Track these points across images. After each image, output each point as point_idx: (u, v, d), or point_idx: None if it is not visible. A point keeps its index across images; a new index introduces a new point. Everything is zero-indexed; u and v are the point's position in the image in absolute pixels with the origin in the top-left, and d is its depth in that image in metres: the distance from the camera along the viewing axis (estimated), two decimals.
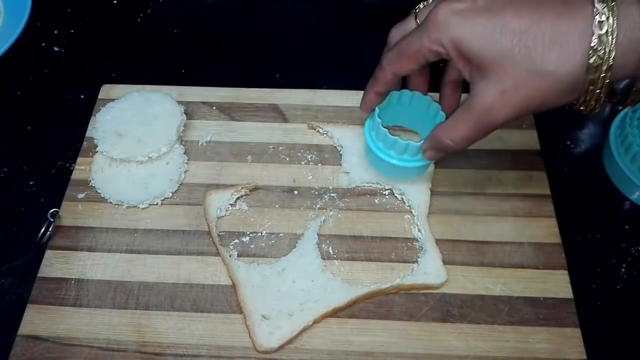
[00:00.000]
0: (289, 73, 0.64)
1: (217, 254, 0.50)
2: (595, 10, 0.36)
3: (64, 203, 0.53)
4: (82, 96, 0.62)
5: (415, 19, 0.45)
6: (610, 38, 0.36)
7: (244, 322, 0.46)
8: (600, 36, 0.36)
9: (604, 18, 0.36)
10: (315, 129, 0.58)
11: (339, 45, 0.67)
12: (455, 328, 0.46)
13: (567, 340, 0.45)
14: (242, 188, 0.53)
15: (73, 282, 0.48)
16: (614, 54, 0.36)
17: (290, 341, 0.45)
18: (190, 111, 0.59)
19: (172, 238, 0.51)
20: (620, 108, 0.41)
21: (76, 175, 0.55)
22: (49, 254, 0.50)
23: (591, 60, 0.36)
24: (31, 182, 0.56)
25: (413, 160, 0.49)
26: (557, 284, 0.48)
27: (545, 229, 0.51)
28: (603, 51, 0.36)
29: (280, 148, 0.57)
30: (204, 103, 0.60)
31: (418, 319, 0.46)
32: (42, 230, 0.50)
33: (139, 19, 0.70)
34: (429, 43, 0.40)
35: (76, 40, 0.68)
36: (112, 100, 0.57)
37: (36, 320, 0.46)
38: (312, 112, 0.59)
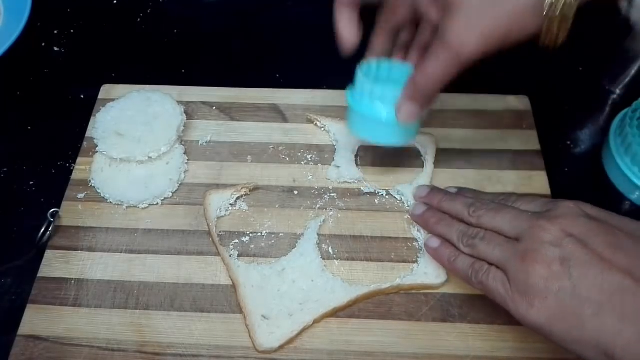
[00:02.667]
0: (289, 73, 0.64)
1: (217, 254, 0.50)
2: None
3: (64, 203, 0.53)
4: (82, 96, 0.62)
5: None
6: None
7: (244, 322, 0.46)
8: None
9: None
10: (313, 122, 0.58)
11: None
12: (455, 328, 0.46)
13: None
14: (242, 188, 0.53)
15: (73, 282, 0.48)
16: None
17: (291, 341, 0.45)
18: (190, 111, 0.59)
19: (172, 238, 0.51)
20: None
21: (76, 175, 0.55)
22: (49, 254, 0.50)
23: None
24: (31, 182, 0.56)
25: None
26: None
27: None
28: None
29: (280, 148, 0.57)
30: (204, 103, 0.60)
31: (418, 318, 0.46)
32: (42, 230, 0.50)
33: (139, 19, 0.70)
34: None
35: (76, 40, 0.68)
36: (112, 100, 0.57)
37: (36, 320, 0.46)
38: (312, 112, 0.58)
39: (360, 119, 0.47)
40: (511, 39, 0.39)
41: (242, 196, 0.53)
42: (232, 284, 0.48)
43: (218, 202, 0.52)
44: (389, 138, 0.48)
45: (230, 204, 0.53)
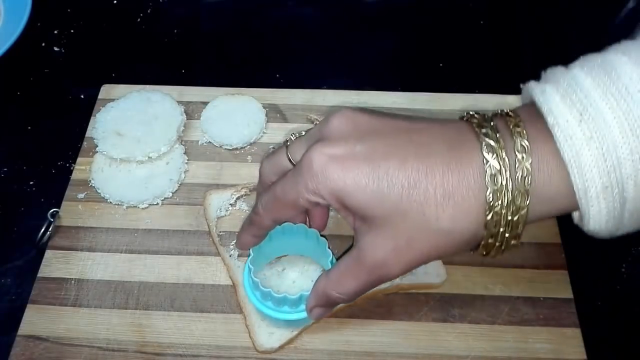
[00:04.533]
0: (289, 73, 0.64)
1: (217, 254, 0.50)
2: (485, 162, 0.32)
3: (64, 203, 0.53)
4: (82, 96, 0.62)
5: (287, 154, 0.39)
6: (505, 191, 0.32)
7: (244, 322, 0.46)
8: (494, 191, 0.32)
9: (495, 171, 0.32)
10: (313, 122, 0.58)
11: (340, 45, 0.67)
12: (455, 328, 0.46)
13: (567, 340, 0.45)
14: (242, 188, 0.53)
15: (73, 282, 0.48)
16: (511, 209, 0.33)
17: (290, 341, 0.45)
18: (190, 111, 0.59)
19: (172, 238, 0.51)
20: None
21: (76, 175, 0.55)
22: (49, 254, 0.50)
23: (488, 217, 0.33)
24: (31, 182, 0.56)
25: (296, 311, 0.43)
26: (557, 284, 0.48)
27: (545, 229, 0.51)
28: (499, 206, 0.32)
29: None
30: (203, 103, 0.60)
31: (418, 319, 0.46)
32: (42, 230, 0.50)
33: (139, 19, 0.70)
34: (307, 194, 0.35)
35: (76, 40, 0.68)
36: (112, 100, 0.57)
37: (36, 320, 0.46)
38: (312, 112, 0.58)
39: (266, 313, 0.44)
40: (445, 255, 0.36)
41: (242, 196, 0.53)
42: (232, 284, 0.48)
43: (218, 202, 0.52)
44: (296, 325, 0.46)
45: (230, 204, 0.53)
